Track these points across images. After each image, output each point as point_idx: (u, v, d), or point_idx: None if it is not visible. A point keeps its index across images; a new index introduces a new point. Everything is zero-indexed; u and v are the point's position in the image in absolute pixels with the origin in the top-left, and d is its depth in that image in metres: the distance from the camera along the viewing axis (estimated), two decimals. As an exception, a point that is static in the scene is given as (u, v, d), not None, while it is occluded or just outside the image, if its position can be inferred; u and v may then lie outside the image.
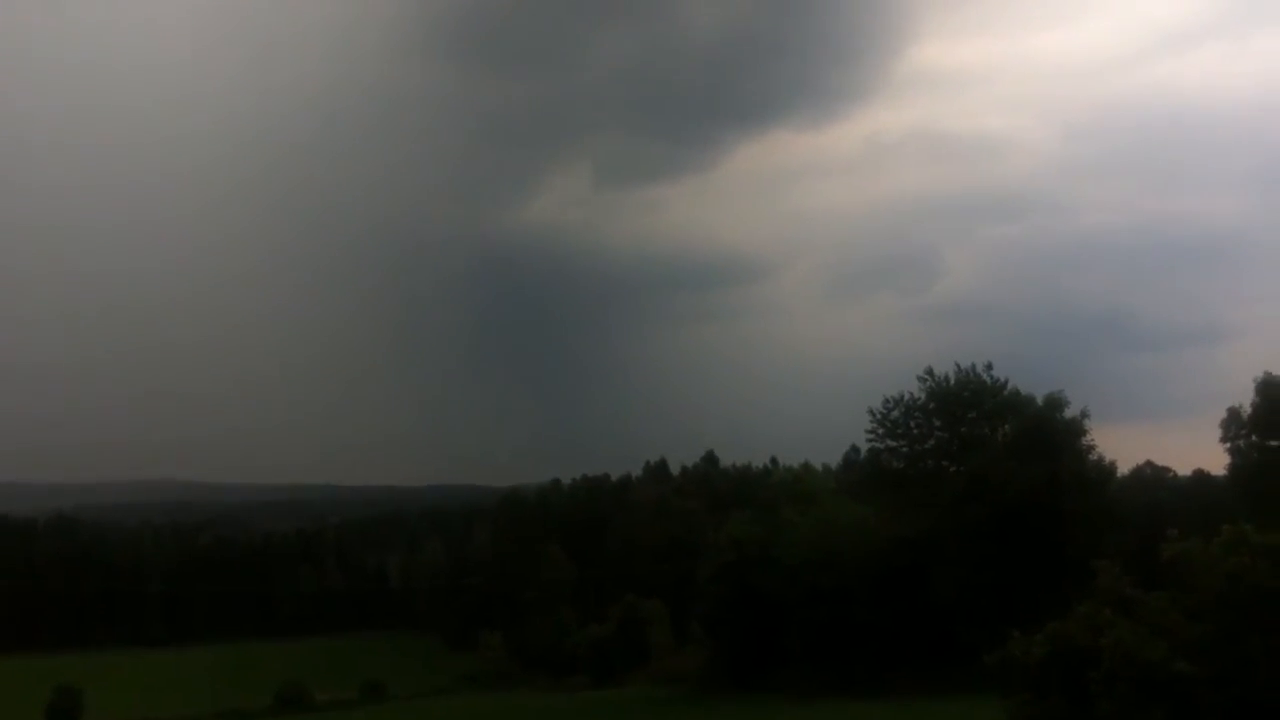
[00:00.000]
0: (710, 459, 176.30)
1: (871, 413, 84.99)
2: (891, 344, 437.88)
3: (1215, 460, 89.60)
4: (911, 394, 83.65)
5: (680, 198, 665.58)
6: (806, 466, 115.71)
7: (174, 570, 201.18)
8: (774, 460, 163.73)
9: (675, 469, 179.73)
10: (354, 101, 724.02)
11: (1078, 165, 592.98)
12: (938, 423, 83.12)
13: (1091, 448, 78.65)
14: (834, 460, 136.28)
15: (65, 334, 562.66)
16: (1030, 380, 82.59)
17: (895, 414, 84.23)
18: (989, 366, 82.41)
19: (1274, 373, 79.28)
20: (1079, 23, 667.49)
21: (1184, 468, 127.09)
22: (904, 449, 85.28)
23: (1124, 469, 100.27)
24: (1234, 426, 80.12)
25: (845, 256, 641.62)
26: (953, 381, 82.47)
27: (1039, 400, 79.01)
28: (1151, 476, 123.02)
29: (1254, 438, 79.89)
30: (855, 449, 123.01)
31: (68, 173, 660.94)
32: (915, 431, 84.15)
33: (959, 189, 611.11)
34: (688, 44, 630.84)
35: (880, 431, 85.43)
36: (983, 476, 75.10)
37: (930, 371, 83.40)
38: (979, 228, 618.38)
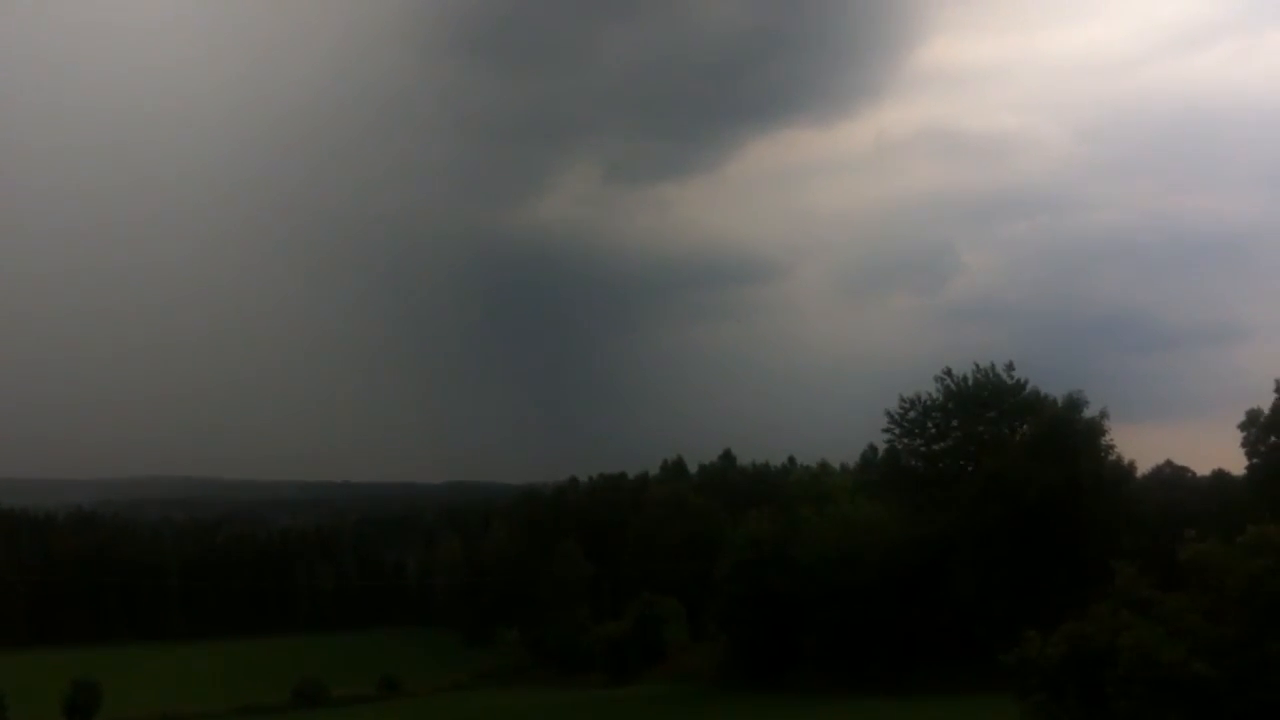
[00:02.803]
0: (728, 458, 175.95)
1: (889, 414, 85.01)
2: (907, 343, 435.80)
3: (1235, 460, 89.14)
4: (929, 394, 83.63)
5: (691, 196, 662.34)
6: (824, 466, 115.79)
7: (192, 565, 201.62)
8: (792, 459, 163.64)
9: (693, 468, 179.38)
10: (361, 99, 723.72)
11: (1092, 163, 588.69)
12: (955, 423, 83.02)
13: (1110, 448, 78.47)
14: (852, 460, 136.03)
15: (82, 331, 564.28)
16: (1047, 379, 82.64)
17: (913, 414, 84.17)
18: (1009, 366, 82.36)
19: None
20: (1092, 20, 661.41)
21: (1203, 467, 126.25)
22: (922, 449, 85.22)
23: (1143, 468, 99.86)
24: (1253, 428, 79.69)
25: (859, 255, 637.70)
26: (971, 381, 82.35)
27: (1058, 401, 78.77)
28: (1171, 476, 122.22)
29: (1273, 439, 79.49)
30: (873, 448, 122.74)
31: (76, 174, 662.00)
32: (933, 431, 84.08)
33: (973, 187, 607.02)
34: (698, 41, 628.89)
35: (898, 431, 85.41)
36: (1001, 476, 74.89)
37: (949, 371, 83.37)
38: (993, 226, 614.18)
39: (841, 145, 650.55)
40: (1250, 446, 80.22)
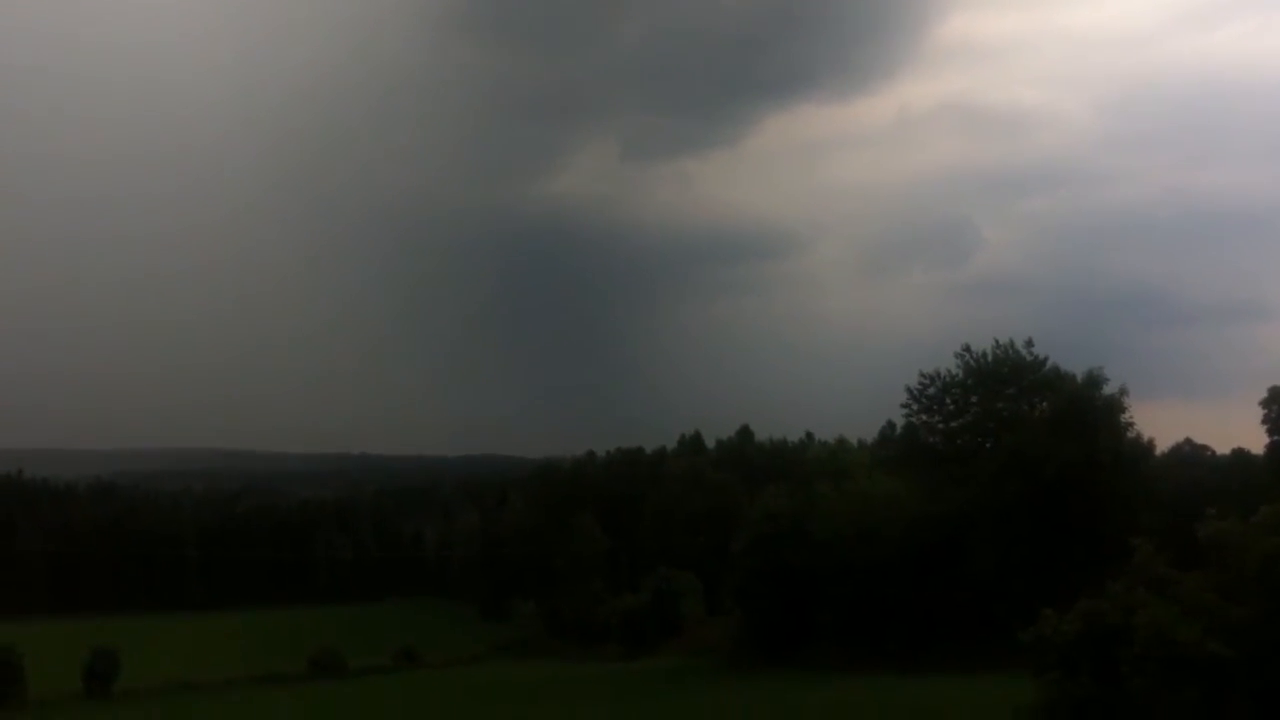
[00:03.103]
0: (745, 433, 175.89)
1: (908, 389, 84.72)
2: (927, 318, 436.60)
3: (1256, 438, 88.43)
4: (949, 370, 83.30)
5: (711, 171, 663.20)
6: (842, 441, 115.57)
7: (211, 536, 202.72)
8: (810, 435, 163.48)
9: (710, 443, 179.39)
10: (379, 77, 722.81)
11: (1112, 138, 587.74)
12: (975, 399, 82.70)
13: (1130, 425, 78.06)
14: (870, 435, 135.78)
15: (103, 303, 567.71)
16: (1067, 355, 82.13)
17: (932, 390, 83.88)
18: (1029, 342, 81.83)
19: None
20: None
21: (1224, 445, 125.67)
22: (940, 425, 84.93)
23: (1163, 446, 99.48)
24: (1275, 405, 79.01)
25: (879, 230, 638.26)
26: (990, 358, 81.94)
27: (1078, 377, 78.30)
28: (1190, 454, 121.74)
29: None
30: (891, 424, 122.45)
31: (104, 145, 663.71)
32: (952, 407, 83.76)
33: (992, 163, 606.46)
34: (715, 17, 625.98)
35: (916, 407, 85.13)
36: (1020, 453, 74.60)
37: (968, 347, 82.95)
38: (1013, 202, 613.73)
39: (862, 120, 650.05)
40: (1271, 424, 79.56)
